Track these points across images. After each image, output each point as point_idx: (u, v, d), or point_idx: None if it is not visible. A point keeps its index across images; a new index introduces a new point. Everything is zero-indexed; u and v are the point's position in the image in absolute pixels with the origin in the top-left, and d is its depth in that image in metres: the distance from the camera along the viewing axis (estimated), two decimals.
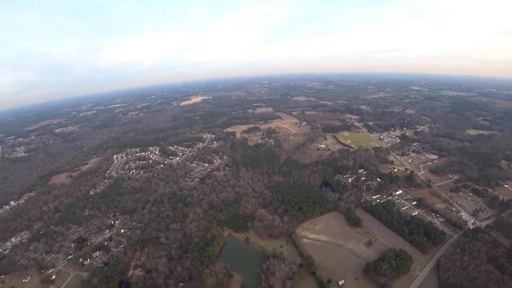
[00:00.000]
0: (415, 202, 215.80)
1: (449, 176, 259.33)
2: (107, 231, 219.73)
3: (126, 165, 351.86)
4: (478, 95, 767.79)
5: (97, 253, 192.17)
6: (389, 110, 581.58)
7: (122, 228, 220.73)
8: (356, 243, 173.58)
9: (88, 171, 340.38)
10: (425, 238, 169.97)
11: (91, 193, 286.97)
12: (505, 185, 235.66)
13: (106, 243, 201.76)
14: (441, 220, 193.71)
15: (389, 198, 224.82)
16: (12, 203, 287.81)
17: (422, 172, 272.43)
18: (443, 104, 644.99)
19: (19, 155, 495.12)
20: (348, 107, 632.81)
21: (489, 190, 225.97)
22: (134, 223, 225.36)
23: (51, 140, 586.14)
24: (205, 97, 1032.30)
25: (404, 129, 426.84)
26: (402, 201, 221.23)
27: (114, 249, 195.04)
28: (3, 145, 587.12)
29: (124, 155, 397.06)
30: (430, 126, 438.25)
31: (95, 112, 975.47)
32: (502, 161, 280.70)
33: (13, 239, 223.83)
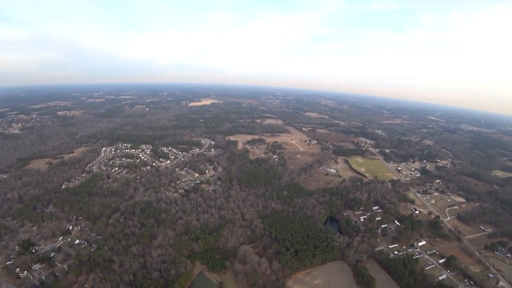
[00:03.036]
0: (443, 261, 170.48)
1: (481, 227, 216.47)
2: (61, 238, 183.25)
3: (111, 161, 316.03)
4: (499, 132, 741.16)
5: (38, 265, 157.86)
6: (407, 138, 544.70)
7: (78, 238, 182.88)
8: None
9: (70, 161, 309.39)
10: None
11: (63, 187, 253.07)
12: None
13: (52, 255, 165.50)
14: None
15: (409, 250, 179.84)
16: None
17: (448, 218, 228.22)
18: (464, 138, 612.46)
19: (13, 131, 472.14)
20: (363, 129, 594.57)
21: None
22: (93, 234, 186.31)
23: (49, 122, 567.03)
24: (216, 101, 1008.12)
25: (424, 161, 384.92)
26: (426, 256, 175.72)
27: (59, 265, 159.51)
28: (2, 119, 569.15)
29: (113, 149, 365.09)
30: (452, 162, 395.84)
31: (103, 100, 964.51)
32: None
33: None
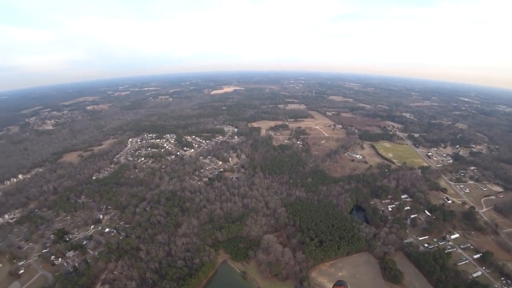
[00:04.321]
0: (478, 256, 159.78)
1: None
2: (92, 226, 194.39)
3: (137, 152, 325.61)
4: None
5: (72, 253, 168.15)
6: (437, 121, 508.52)
7: (107, 227, 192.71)
8: None
9: (99, 153, 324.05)
10: None
11: (94, 178, 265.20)
12: None
13: (84, 242, 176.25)
14: None
15: (441, 243, 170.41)
16: (20, 176, 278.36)
17: (484, 209, 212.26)
18: (501, 121, 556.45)
19: (47, 127, 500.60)
20: (390, 113, 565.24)
21: None
22: (122, 222, 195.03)
23: (79, 117, 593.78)
24: (238, 88, 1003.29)
25: (457, 147, 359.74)
26: (459, 250, 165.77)
27: (91, 252, 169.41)
28: (37, 116, 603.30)
29: (139, 140, 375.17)
30: (488, 147, 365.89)
31: (128, 93, 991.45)
32: None
33: (6, 216, 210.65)
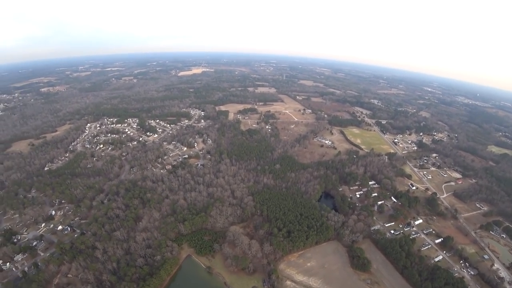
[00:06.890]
0: (440, 241, 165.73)
1: (477, 205, 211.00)
2: (43, 224, 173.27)
3: (95, 138, 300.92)
4: (494, 107, 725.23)
5: (20, 256, 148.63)
6: (403, 109, 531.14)
7: (60, 224, 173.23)
8: None
9: (52, 141, 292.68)
10: None
11: (46, 169, 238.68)
12: None
13: (34, 243, 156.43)
14: (472, 273, 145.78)
15: (406, 229, 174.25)
16: None
17: (445, 195, 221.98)
18: (460, 111, 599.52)
19: None
20: (359, 99, 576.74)
21: None
22: (77, 218, 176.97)
23: (32, 100, 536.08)
24: (207, 69, 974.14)
25: (421, 134, 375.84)
26: (423, 235, 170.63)
27: (42, 254, 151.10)
28: None
29: (98, 125, 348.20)
30: (449, 135, 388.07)
31: (89, 73, 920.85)
32: None
33: None
